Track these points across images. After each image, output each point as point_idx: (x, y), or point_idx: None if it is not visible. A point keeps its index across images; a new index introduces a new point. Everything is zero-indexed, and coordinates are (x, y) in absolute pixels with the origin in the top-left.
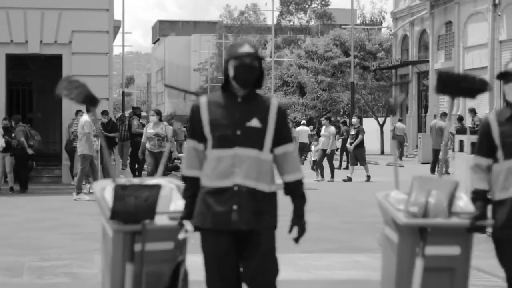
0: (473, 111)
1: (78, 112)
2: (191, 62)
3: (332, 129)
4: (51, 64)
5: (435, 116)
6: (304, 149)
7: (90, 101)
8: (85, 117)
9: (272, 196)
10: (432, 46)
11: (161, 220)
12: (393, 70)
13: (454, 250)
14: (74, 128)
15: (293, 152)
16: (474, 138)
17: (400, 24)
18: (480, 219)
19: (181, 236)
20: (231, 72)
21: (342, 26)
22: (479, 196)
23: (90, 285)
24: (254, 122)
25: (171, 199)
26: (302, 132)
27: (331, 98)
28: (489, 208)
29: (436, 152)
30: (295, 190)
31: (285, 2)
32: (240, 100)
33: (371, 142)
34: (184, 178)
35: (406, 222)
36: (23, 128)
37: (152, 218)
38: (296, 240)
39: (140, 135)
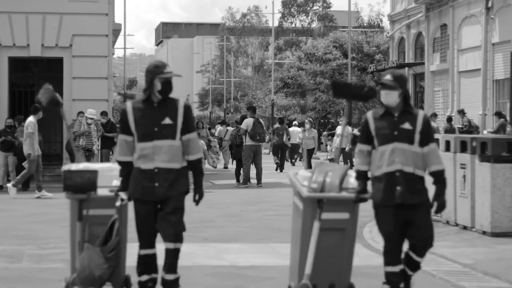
0: (461, 112)
1: (79, 113)
2: (194, 64)
3: (349, 128)
4: (52, 67)
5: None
6: (295, 150)
7: (54, 103)
8: (30, 119)
9: (182, 170)
10: (427, 48)
11: (102, 191)
12: None
13: (344, 215)
14: (75, 129)
15: (195, 138)
16: (451, 137)
17: (397, 26)
18: (362, 193)
19: (117, 203)
20: (158, 86)
21: (340, 29)
22: (360, 176)
23: None
24: (167, 120)
25: (114, 178)
26: (293, 133)
27: (330, 100)
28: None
29: None
30: (196, 167)
31: (287, 4)
32: (156, 105)
33: None
34: (119, 163)
35: (307, 195)
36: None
37: (94, 191)
38: (196, 203)
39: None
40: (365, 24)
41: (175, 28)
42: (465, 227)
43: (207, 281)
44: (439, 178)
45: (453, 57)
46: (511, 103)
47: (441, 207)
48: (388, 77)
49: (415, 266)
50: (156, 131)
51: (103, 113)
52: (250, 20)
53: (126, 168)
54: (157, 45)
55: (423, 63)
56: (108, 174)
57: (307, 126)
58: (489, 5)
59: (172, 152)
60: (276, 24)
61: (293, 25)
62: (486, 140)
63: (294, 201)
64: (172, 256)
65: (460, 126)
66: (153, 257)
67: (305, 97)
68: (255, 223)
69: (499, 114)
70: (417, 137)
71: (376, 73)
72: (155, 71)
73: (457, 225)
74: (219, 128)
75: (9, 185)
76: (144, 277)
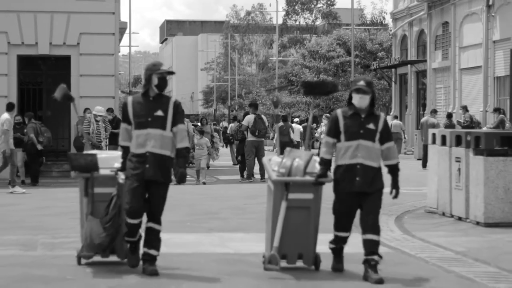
0: (464, 108)
1: (86, 110)
2: (199, 62)
3: None
4: (60, 65)
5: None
6: (294, 147)
7: (67, 98)
8: (5, 115)
9: (171, 159)
10: (429, 46)
11: (104, 172)
12: (393, 69)
13: (308, 195)
14: (84, 125)
15: (183, 129)
16: (447, 131)
17: (400, 24)
18: (321, 177)
19: (120, 180)
20: (155, 81)
21: (344, 27)
22: (323, 163)
23: None
24: (159, 113)
25: (116, 160)
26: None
27: (334, 97)
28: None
29: (426, 147)
30: (182, 153)
31: (291, 2)
32: (151, 99)
33: None
34: (121, 147)
35: (276, 179)
36: (34, 125)
37: (97, 171)
38: (178, 182)
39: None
40: (368, 22)
41: (180, 26)
42: (460, 218)
43: (213, 266)
44: (395, 170)
45: (455, 55)
46: (511, 100)
47: (397, 194)
48: (362, 83)
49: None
50: (150, 121)
51: (109, 110)
52: (255, 17)
53: (126, 152)
54: (162, 42)
55: (425, 61)
56: (110, 158)
57: (325, 121)
58: (490, 3)
59: (162, 140)
60: (280, 21)
61: (297, 23)
62: (479, 135)
63: (268, 184)
64: (152, 235)
65: (462, 121)
66: (139, 225)
67: (278, 92)
68: (258, 215)
69: (497, 110)
70: (378, 136)
71: (379, 70)
72: (153, 68)
73: (452, 216)
74: (231, 125)
75: (10, 190)
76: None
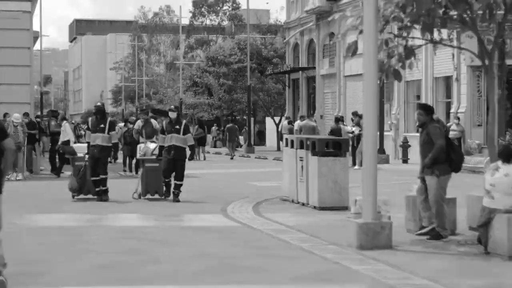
0: (355, 114)
1: (5, 115)
2: (107, 61)
3: (347, 128)
4: None
5: (301, 118)
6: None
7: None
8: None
9: (184, 149)
10: (318, 54)
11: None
12: (286, 75)
13: (156, 164)
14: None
15: (190, 135)
16: (294, 137)
17: (292, 33)
18: (160, 156)
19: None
20: (170, 114)
21: (242, 33)
22: (160, 147)
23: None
24: (177, 126)
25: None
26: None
27: (232, 99)
28: None
29: None
30: (191, 147)
31: (197, 4)
32: (173, 120)
33: (270, 140)
34: (160, 146)
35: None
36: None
37: (76, 155)
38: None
39: (58, 133)
40: (265, 30)
41: (89, 25)
42: (303, 204)
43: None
44: (191, 147)
45: (340, 63)
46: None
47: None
48: (172, 107)
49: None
50: (173, 130)
51: (25, 114)
52: (162, 19)
53: (162, 147)
54: (71, 41)
55: (314, 68)
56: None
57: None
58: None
59: (179, 140)
60: (187, 22)
61: (203, 25)
62: (315, 140)
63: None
64: (178, 186)
65: (351, 130)
66: (170, 182)
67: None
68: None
69: (356, 114)
70: (182, 130)
71: (274, 75)
72: (169, 109)
73: (298, 202)
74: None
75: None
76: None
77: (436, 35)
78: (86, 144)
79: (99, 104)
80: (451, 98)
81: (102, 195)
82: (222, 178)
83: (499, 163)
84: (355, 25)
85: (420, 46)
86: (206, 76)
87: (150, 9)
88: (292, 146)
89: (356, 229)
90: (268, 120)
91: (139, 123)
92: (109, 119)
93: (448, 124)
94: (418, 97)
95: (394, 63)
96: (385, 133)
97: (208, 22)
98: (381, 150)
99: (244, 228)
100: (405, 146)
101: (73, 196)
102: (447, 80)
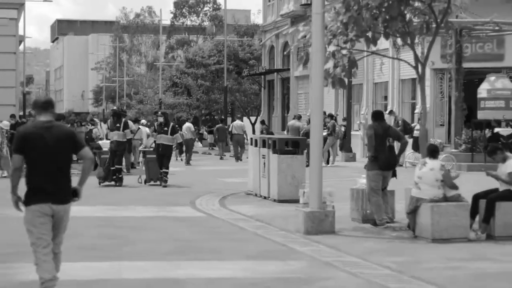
0: (330, 116)
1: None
2: (89, 61)
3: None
4: None
5: (294, 117)
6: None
7: None
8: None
9: (170, 146)
10: (292, 56)
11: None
12: (262, 76)
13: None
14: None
15: (178, 135)
16: (258, 137)
17: (268, 36)
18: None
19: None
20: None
21: (220, 36)
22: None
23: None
24: (166, 128)
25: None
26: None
27: (210, 100)
28: None
29: None
30: (177, 146)
31: (178, 5)
32: (162, 123)
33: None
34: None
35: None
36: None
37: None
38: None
39: None
40: (242, 33)
41: (71, 25)
42: (265, 197)
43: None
44: (180, 145)
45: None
46: (350, 105)
47: None
48: (159, 112)
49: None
50: (162, 132)
51: (12, 116)
52: (143, 20)
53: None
54: (53, 41)
55: (289, 69)
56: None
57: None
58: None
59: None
60: (168, 23)
61: (184, 25)
62: (275, 139)
63: None
64: (165, 173)
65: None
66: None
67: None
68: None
69: (330, 116)
70: (169, 131)
71: (250, 77)
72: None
73: (261, 196)
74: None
75: None
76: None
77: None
78: (109, 141)
79: (115, 108)
80: (415, 99)
81: (118, 181)
82: (195, 175)
83: (427, 159)
84: (306, 39)
85: (362, 57)
86: (185, 77)
87: (132, 10)
88: (256, 145)
89: (303, 216)
90: (246, 120)
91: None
92: (123, 119)
93: (413, 124)
94: (386, 98)
95: (338, 72)
96: (354, 133)
97: (189, 22)
98: (349, 149)
99: (208, 217)
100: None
101: (99, 183)
102: (413, 82)
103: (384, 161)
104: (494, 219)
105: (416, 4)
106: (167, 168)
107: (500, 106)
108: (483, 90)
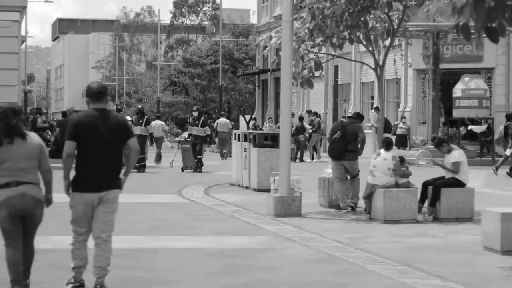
0: (310, 113)
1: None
2: (90, 60)
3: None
4: None
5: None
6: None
7: None
8: None
9: (201, 136)
10: (269, 59)
11: None
12: (256, 76)
13: None
14: None
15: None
16: (241, 132)
17: (262, 37)
18: None
19: None
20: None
21: (214, 38)
22: None
23: None
24: (197, 122)
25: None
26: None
27: (206, 98)
28: None
29: None
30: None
31: (178, 5)
32: (195, 117)
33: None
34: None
35: None
36: None
37: None
38: None
39: (43, 129)
40: (237, 33)
41: (71, 24)
42: (246, 187)
43: None
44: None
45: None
46: (336, 104)
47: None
48: (194, 108)
49: None
50: (195, 124)
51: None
52: (143, 19)
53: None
54: (54, 40)
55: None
56: None
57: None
58: None
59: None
60: (168, 22)
61: (184, 25)
62: (255, 134)
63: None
64: (199, 159)
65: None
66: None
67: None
68: None
69: (316, 114)
70: (200, 124)
71: (245, 76)
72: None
73: (243, 186)
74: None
75: None
76: None
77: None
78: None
79: (140, 106)
80: (399, 98)
81: (141, 168)
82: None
83: (382, 150)
84: (277, 44)
85: (328, 60)
86: (182, 76)
87: (132, 10)
88: (239, 140)
89: (273, 201)
90: (241, 118)
91: None
92: (146, 117)
93: (396, 122)
94: (372, 97)
95: (306, 73)
96: None
97: (188, 22)
98: None
99: (191, 203)
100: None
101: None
102: (397, 82)
103: (330, 152)
104: (440, 203)
105: (378, 12)
106: (200, 155)
107: (473, 105)
108: (458, 90)
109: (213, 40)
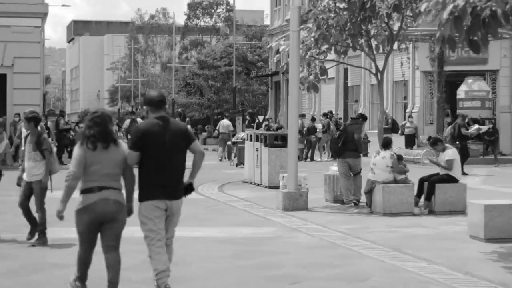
0: (325, 115)
1: (16, 115)
2: (105, 61)
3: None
4: None
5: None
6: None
7: None
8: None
9: None
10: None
11: None
12: (269, 77)
13: None
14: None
15: None
16: (252, 133)
17: (275, 39)
18: None
19: None
20: None
21: (227, 41)
22: None
23: None
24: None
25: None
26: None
27: (220, 100)
28: None
29: None
30: None
31: (192, 7)
32: None
33: None
34: None
35: None
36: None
37: None
38: None
39: (66, 130)
40: (251, 36)
41: (86, 26)
42: (258, 184)
43: None
44: None
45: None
46: (346, 105)
47: None
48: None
49: None
50: None
51: (52, 113)
52: (158, 21)
53: None
54: (69, 42)
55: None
56: None
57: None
58: None
59: None
60: (182, 23)
61: (198, 26)
62: (266, 135)
63: None
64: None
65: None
66: None
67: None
68: None
69: (325, 115)
70: None
71: (258, 78)
72: None
73: (255, 184)
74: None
75: None
76: None
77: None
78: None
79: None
80: (407, 99)
81: None
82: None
83: (381, 149)
84: (286, 51)
85: (331, 66)
86: (197, 78)
87: (147, 12)
88: (251, 140)
89: (282, 196)
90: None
91: (126, 123)
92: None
93: (403, 122)
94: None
95: (312, 79)
96: None
97: (202, 23)
98: None
99: (207, 199)
100: (365, 141)
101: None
102: (404, 84)
103: (331, 149)
104: (435, 197)
105: (379, 22)
106: None
107: (476, 106)
108: (461, 92)
109: (226, 42)
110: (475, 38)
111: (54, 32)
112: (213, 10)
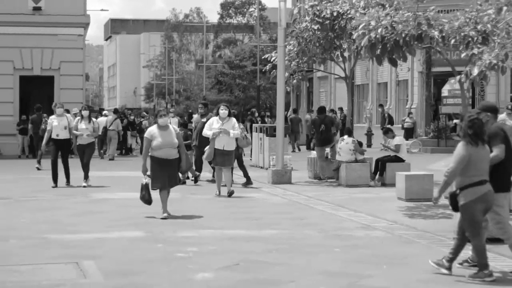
0: (331, 111)
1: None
2: (141, 59)
3: None
4: (47, 81)
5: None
6: None
7: None
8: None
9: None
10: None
11: None
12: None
13: None
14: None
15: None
16: (258, 126)
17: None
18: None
19: None
20: None
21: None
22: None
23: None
24: None
25: None
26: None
27: (247, 97)
28: None
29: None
30: None
31: (225, 6)
32: None
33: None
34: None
35: None
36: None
37: None
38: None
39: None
40: (274, 38)
41: (123, 25)
42: (261, 167)
43: None
44: None
45: (331, 67)
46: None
47: None
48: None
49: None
50: None
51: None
52: (192, 20)
53: None
54: (106, 40)
55: (312, 71)
56: None
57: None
58: None
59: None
60: (215, 22)
61: (231, 24)
62: (267, 127)
63: None
64: None
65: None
66: None
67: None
68: None
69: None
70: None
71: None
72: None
73: (260, 167)
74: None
75: None
76: None
77: None
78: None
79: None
80: (408, 97)
81: None
82: None
83: (345, 136)
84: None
85: (313, 73)
86: (226, 77)
87: (181, 11)
88: (256, 131)
89: (271, 173)
90: None
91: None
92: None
93: (404, 118)
94: (386, 96)
95: (295, 83)
96: (357, 125)
97: (235, 22)
98: None
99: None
100: (369, 134)
101: None
102: (407, 83)
103: (317, 140)
104: (386, 173)
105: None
106: None
107: (458, 102)
108: (445, 90)
109: (250, 43)
110: (394, 56)
111: (91, 28)
112: (245, 9)
